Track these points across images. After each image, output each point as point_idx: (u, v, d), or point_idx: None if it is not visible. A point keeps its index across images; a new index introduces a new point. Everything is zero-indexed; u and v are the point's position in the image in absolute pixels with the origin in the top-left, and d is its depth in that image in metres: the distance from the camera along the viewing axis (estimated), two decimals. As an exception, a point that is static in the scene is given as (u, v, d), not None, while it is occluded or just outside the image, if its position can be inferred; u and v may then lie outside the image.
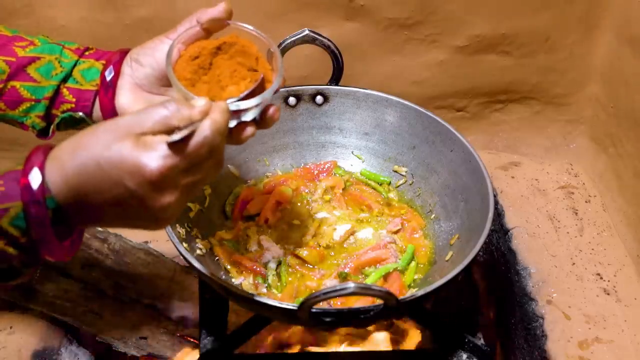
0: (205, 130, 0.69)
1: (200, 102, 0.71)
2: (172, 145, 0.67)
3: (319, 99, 1.32)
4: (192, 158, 0.69)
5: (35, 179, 0.66)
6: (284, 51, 1.24)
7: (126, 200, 0.68)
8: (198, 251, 1.13)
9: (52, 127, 0.94)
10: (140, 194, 0.67)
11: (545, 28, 1.50)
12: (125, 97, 0.92)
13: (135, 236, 1.47)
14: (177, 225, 1.10)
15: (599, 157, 1.53)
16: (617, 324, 1.19)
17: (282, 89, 1.28)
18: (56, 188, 0.67)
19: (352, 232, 1.22)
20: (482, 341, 1.17)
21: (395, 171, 1.33)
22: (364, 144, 1.35)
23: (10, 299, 1.33)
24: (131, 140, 0.67)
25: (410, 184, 1.31)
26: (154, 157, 0.66)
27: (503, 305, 1.38)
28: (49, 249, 0.69)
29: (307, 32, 1.22)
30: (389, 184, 1.33)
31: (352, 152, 1.36)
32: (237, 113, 0.82)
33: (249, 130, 0.85)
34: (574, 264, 1.31)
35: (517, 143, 1.68)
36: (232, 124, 0.83)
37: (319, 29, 1.23)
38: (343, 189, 1.30)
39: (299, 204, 1.27)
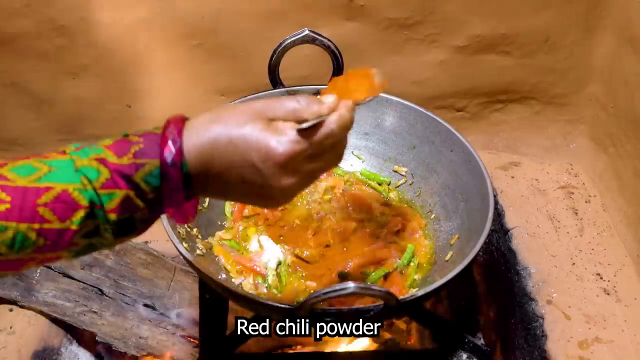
0: (332, 123, 0.74)
1: (329, 99, 0.77)
2: (300, 132, 0.72)
3: (319, 99, 1.32)
4: (317, 147, 0.74)
5: (175, 143, 0.70)
6: (284, 51, 1.24)
7: (251, 177, 0.72)
8: (198, 251, 1.13)
9: None
10: (266, 174, 0.72)
11: (545, 28, 1.50)
12: None
13: (135, 236, 1.47)
14: (177, 225, 1.10)
15: (599, 157, 1.52)
16: (617, 324, 1.19)
17: (282, 89, 1.29)
18: (189, 155, 0.70)
19: (352, 232, 1.22)
20: (482, 341, 1.18)
21: (395, 171, 1.33)
22: (364, 144, 1.35)
23: (10, 299, 1.33)
24: (263, 123, 0.72)
25: (410, 184, 1.31)
26: (284, 141, 0.71)
27: (503, 305, 1.38)
28: (177, 208, 0.73)
29: (307, 32, 1.22)
30: (389, 184, 1.33)
31: (352, 152, 1.36)
32: None
33: None
34: (574, 264, 1.31)
35: (517, 143, 1.68)
36: None
37: (319, 29, 1.23)
38: (343, 189, 1.30)
39: (299, 204, 1.27)
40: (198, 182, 0.72)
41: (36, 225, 0.65)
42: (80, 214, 0.67)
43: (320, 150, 0.75)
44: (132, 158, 0.69)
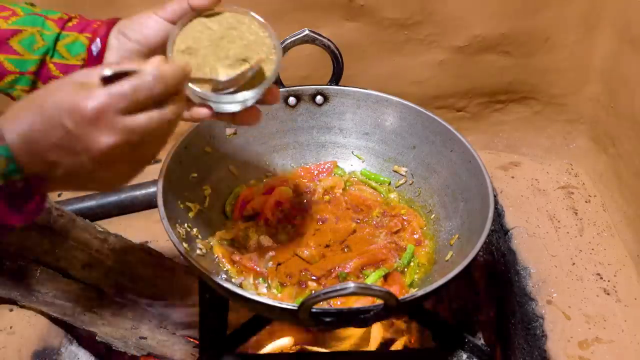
0: (146, 73, 0.70)
1: (154, 59, 0.73)
2: (106, 82, 0.68)
3: (319, 99, 1.32)
4: (130, 99, 0.69)
5: None
6: (284, 51, 1.24)
7: (68, 143, 0.68)
8: (198, 251, 1.13)
9: None
10: (78, 133, 0.68)
11: (545, 28, 1.50)
12: None
13: (135, 236, 1.47)
14: (177, 225, 1.10)
15: (599, 157, 1.52)
16: (617, 324, 1.19)
17: (282, 89, 1.28)
18: (10, 136, 0.69)
19: (352, 232, 1.22)
20: (482, 341, 1.18)
21: (395, 171, 1.33)
22: (364, 144, 1.35)
23: (10, 299, 1.33)
24: (72, 85, 0.69)
25: (410, 184, 1.31)
26: (90, 95, 0.68)
27: (503, 305, 1.38)
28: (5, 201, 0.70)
29: (307, 32, 1.22)
30: (389, 184, 1.33)
31: (352, 152, 1.36)
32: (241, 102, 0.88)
33: (256, 114, 0.92)
34: (574, 264, 1.31)
35: (517, 143, 1.68)
36: (237, 108, 0.89)
37: (319, 29, 1.23)
38: (343, 189, 1.30)
39: (299, 204, 1.27)
40: (27, 164, 0.70)
41: None
42: None
43: (136, 104, 0.69)
44: None
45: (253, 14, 0.91)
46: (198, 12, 0.88)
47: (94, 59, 0.92)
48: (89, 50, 0.92)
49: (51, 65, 0.93)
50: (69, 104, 0.67)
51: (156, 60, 0.72)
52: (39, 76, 0.93)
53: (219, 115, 0.90)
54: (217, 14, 0.89)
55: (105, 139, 0.68)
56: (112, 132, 0.68)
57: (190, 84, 0.83)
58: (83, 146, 0.68)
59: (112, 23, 0.94)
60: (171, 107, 0.72)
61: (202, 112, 0.87)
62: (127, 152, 0.71)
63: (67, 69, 0.93)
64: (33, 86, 0.94)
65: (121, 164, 0.72)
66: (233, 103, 0.88)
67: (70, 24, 0.94)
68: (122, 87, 0.68)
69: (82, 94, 0.68)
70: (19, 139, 0.69)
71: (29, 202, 0.72)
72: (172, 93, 0.72)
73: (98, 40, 0.91)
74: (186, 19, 0.88)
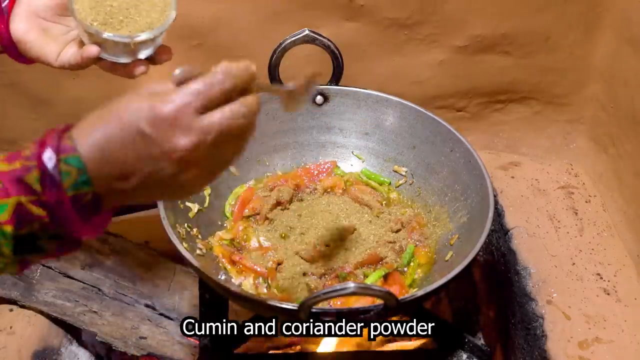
0: (215, 71, 0.70)
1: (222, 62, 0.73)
2: (180, 84, 0.69)
3: (319, 99, 1.32)
4: (205, 96, 0.69)
5: (53, 140, 0.67)
6: (284, 51, 1.24)
7: (147, 149, 0.68)
8: (198, 251, 1.13)
9: None
10: (157, 137, 0.67)
11: (545, 28, 1.50)
12: (20, 24, 0.95)
13: (135, 236, 1.47)
14: (177, 225, 1.10)
15: (599, 157, 1.52)
16: (617, 324, 1.19)
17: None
18: (83, 147, 0.67)
19: (352, 232, 1.22)
20: (482, 341, 1.18)
21: (395, 171, 1.33)
22: (364, 144, 1.35)
23: (10, 299, 1.33)
24: (146, 94, 0.69)
25: (411, 184, 1.31)
26: (166, 98, 0.68)
27: (503, 305, 1.38)
28: (72, 222, 0.68)
29: (307, 32, 1.22)
30: (389, 184, 1.33)
31: (352, 152, 1.36)
32: (132, 51, 0.93)
33: (142, 68, 0.96)
34: (574, 264, 1.31)
35: (517, 143, 1.68)
36: (127, 60, 0.95)
37: (319, 29, 1.23)
38: (343, 189, 1.30)
39: (299, 204, 1.27)
40: (99, 178, 0.68)
41: None
42: None
43: (210, 100, 0.69)
44: (24, 161, 0.67)
45: None
46: None
47: (1, 12, 0.95)
48: None
49: None
50: (146, 109, 0.67)
51: (223, 62, 0.72)
52: None
53: (112, 67, 0.97)
54: None
55: (183, 140, 0.68)
56: (190, 133, 0.68)
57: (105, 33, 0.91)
58: (162, 150, 0.68)
59: None
60: (242, 100, 0.72)
61: (93, 49, 0.94)
62: (205, 154, 0.70)
63: None
64: None
65: (198, 167, 0.71)
66: (126, 50, 0.93)
67: None
68: (196, 85, 0.69)
69: (158, 99, 0.68)
70: (93, 150, 0.67)
71: (97, 214, 0.71)
72: (242, 89, 0.72)
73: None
74: None
